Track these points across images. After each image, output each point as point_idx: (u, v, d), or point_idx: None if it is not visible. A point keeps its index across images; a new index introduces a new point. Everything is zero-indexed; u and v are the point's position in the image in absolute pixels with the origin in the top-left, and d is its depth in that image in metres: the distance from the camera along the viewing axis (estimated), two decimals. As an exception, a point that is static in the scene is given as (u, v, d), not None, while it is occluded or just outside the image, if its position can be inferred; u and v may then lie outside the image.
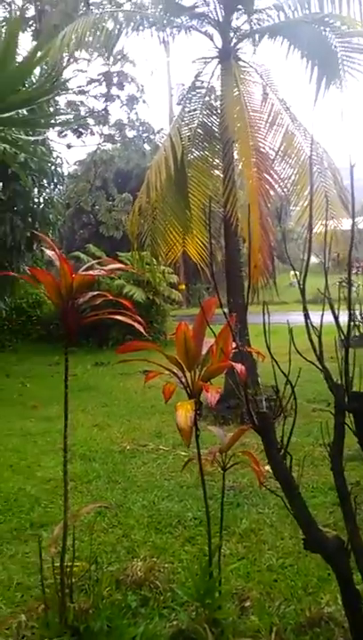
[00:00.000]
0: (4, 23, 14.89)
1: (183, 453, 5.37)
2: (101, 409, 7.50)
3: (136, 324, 1.98)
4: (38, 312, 13.80)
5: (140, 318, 2.03)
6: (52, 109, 7.19)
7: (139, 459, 5.40)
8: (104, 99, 17.89)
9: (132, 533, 3.77)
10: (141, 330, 2.00)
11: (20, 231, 8.78)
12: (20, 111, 1.75)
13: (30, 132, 2.34)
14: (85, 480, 4.80)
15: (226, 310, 2.06)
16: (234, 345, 2.04)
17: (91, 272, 1.94)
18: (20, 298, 12.93)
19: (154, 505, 4.26)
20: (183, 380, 2.08)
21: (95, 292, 1.97)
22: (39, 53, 1.77)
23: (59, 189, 10.45)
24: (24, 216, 8.93)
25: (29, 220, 9.04)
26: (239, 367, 1.90)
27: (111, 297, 2.01)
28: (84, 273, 1.92)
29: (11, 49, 1.52)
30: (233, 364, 1.96)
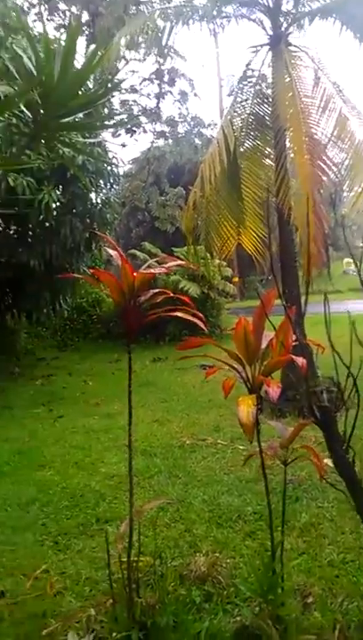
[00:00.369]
0: (62, 30, 15.31)
1: (241, 447, 5.38)
2: (161, 404, 7.59)
3: (197, 321, 2.00)
4: (98, 311, 14.07)
5: (199, 314, 2.05)
6: (106, 110, 7.31)
7: (198, 453, 5.45)
8: (156, 96, 18.07)
9: (193, 528, 3.82)
10: (202, 326, 2.02)
11: (80, 232, 8.98)
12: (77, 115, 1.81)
13: (88, 135, 2.40)
14: (147, 475, 4.88)
15: (284, 303, 2.04)
16: (294, 337, 2.03)
17: (151, 270, 1.98)
18: (80, 297, 13.23)
19: (214, 499, 4.29)
20: (243, 374, 2.09)
21: (156, 290, 2.00)
22: (96, 57, 1.82)
23: (115, 189, 10.61)
24: (83, 217, 9.12)
25: (88, 220, 9.23)
26: (301, 361, 1.88)
27: (171, 294, 2.03)
28: (144, 271, 1.95)
29: (70, 56, 1.56)
30: (294, 357, 1.94)
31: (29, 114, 1.68)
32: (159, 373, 9.85)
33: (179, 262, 2.73)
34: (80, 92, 1.69)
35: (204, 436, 5.93)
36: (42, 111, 1.61)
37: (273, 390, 1.85)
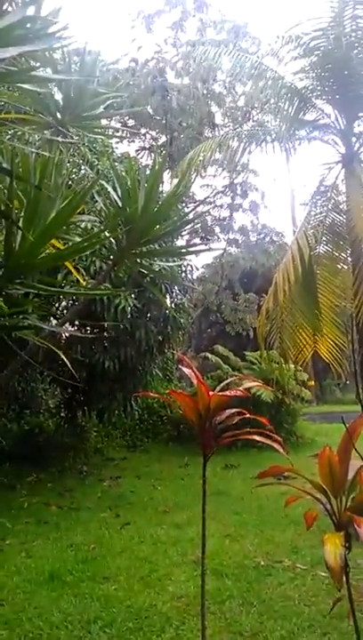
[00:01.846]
0: (141, 152, 16.71)
1: (323, 574, 4.90)
2: (233, 517, 7.18)
3: (275, 445, 1.90)
4: (168, 412, 13.99)
5: (277, 437, 1.94)
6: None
7: (274, 578, 5.01)
8: (229, 207, 19.03)
9: (271, 670, 3.42)
10: (281, 450, 1.90)
11: (154, 335, 9.19)
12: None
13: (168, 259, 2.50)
14: (218, 600, 4.51)
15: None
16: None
17: (227, 393, 1.93)
18: (151, 398, 13.28)
19: (294, 636, 3.86)
20: (328, 506, 1.92)
21: (232, 411, 1.94)
22: (176, 194, 1.92)
23: (189, 296, 10.94)
24: (157, 321, 9.38)
25: (162, 324, 9.47)
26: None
27: (249, 415, 1.96)
28: (220, 394, 1.91)
29: (153, 193, 1.66)
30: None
31: (113, 241, 1.77)
32: (231, 482, 9.44)
33: (257, 384, 2.67)
34: (161, 224, 1.76)
35: (280, 558, 5.48)
36: (124, 242, 1.68)
37: (364, 531, 1.66)
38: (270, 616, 4.20)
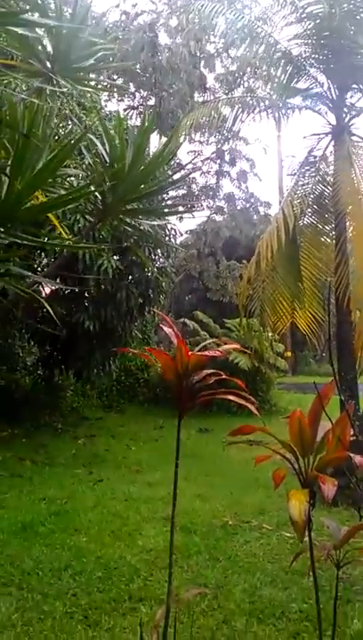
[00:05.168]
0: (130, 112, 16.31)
1: (287, 535, 5.09)
2: (204, 478, 7.37)
3: (250, 406, 1.95)
4: (146, 375, 14.10)
5: (252, 398, 2.00)
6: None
7: (241, 536, 5.20)
8: (216, 174, 18.83)
9: (232, 619, 3.59)
10: (254, 411, 1.97)
11: (135, 298, 9.22)
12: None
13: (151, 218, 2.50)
14: (186, 554, 4.67)
15: (339, 387, 1.97)
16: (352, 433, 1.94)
17: (207, 353, 1.97)
18: (129, 360, 13.34)
19: (256, 590, 4.04)
20: (296, 466, 2.00)
21: (210, 371, 1.98)
22: (164, 153, 1.90)
23: (171, 260, 10.92)
24: (139, 284, 9.40)
25: (143, 287, 9.49)
26: (359, 460, 1.78)
27: (225, 376, 2.01)
28: (199, 353, 1.95)
29: (141, 150, 1.65)
30: (352, 456, 1.84)
31: (99, 196, 1.77)
32: (205, 445, 9.63)
33: (235, 346, 2.73)
34: (147, 182, 1.76)
35: (248, 518, 5.67)
36: (109, 199, 1.68)
37: (328, 489, 1.74)
38: (234, 571, 4.37)
